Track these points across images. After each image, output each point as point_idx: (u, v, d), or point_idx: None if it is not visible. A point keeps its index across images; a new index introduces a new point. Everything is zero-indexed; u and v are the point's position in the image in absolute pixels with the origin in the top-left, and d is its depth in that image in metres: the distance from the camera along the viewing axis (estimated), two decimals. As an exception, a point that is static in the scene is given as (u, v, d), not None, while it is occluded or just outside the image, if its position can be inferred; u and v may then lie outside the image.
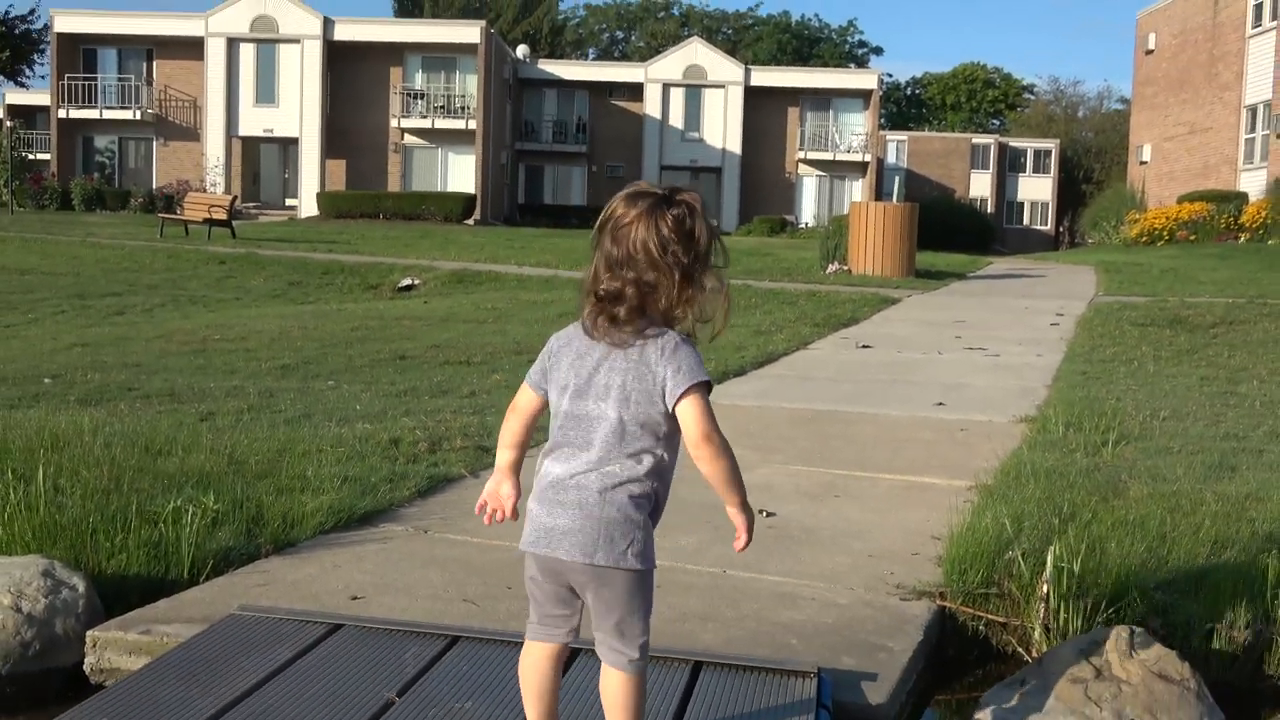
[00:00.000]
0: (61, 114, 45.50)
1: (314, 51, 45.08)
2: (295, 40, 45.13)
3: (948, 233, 44.75)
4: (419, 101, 46.50)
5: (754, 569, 4.37)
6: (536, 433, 2.74)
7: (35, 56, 50.89)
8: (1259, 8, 34.98)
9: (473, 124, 45.28)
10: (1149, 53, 42.14)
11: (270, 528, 4.56)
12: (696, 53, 52.17)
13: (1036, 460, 5.82)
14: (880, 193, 51.36)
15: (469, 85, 46.20)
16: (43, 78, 50.96)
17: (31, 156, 47.66)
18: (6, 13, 50.17)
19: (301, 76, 45.09)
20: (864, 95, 52.58)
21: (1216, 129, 36.96)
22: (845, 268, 20.62)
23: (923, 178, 62.24)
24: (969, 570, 4.14)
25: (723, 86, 51.25)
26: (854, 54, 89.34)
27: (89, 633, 3.68)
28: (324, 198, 42.41)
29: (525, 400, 2.67)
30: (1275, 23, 33.79)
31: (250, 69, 45.50)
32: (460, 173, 46.10)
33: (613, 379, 2.53)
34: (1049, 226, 67.22)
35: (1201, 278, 19.88)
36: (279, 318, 13.98)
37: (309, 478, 5.23)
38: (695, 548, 4.61)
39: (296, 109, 45.23)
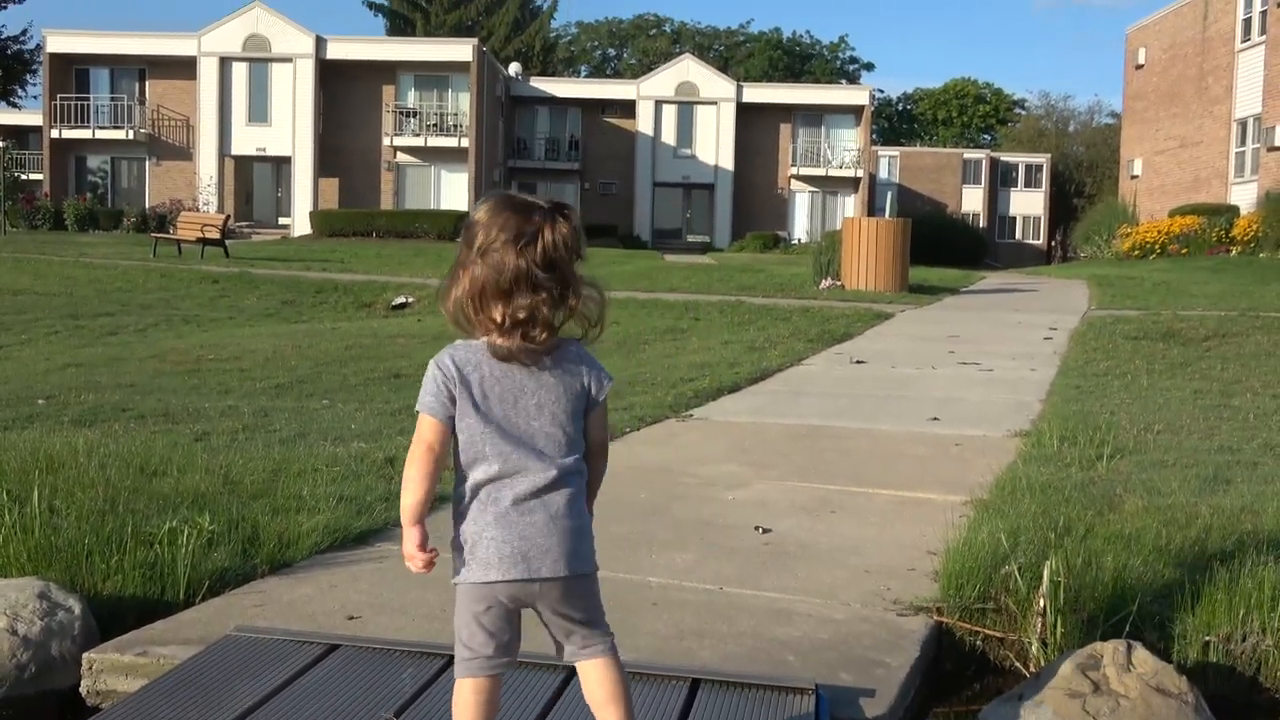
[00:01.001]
0: (54, 134, 45.52)
1: (306, 70, 45.16)
2: (288, 59, 45.21)
3: (940, 247, 44.85)
4: (411, 120, 46.58)
5: (750, 585, 4.37)
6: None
7: (28, 77, 50.98)
8: (1248, 22, 35.17)
9: (465, 142, 45.35)
10: (1139, 67, 42.33)
11: (266, 548, 4.55)
12: (688, 70, 52.31)
13: (1032, 475, 5.83)
14: (873, 208, 51.50)
15: (461, 103, 46.29)
16: (35, 98, 51.05)
17: (24, 177, 47.70)
18: (-1, 33, 50.30)
19: (294, 95, 45.16)
20: (856, 111, 52.73)
21: (1207, 143, 37.11)
22: (839, 283, 20.65)
23: (915, 193, 62.40)
24: (965, 585, 4.14)
25: (715, 103, 51.38)
26: (845, 70, 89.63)
27: (85, 655, 3.67)
28: (317, 216, 42.43)
29: (433, 432, 2.53)
30: (1264, 37, 33.96)
31: (243, 88, 45.56)
32: (453, 190, 46.16)
33: (544, 395, 2.53)
34: (1041, 241, 67.39)
35: (1194, 291, 19.93)
36: (273, 337, 13.97)
37: (304, 497, 5.23)
38: (689, 565, 4.61)
39: (289, 128, 45.29)
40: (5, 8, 50.96)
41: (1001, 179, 67.27)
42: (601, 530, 2.76)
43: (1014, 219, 67.64)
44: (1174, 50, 39.68)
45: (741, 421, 7.99)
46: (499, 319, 2.50)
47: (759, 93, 53.19)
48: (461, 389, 2.52)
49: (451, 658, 3.57)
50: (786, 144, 52.70)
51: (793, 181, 52.87)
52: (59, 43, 45.72)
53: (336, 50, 45.65)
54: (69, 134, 45.67)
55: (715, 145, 51.47)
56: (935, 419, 8.11)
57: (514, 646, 2.63)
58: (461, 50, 45.86)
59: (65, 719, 3.55)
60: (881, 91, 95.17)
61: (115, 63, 46.63)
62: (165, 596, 4.13)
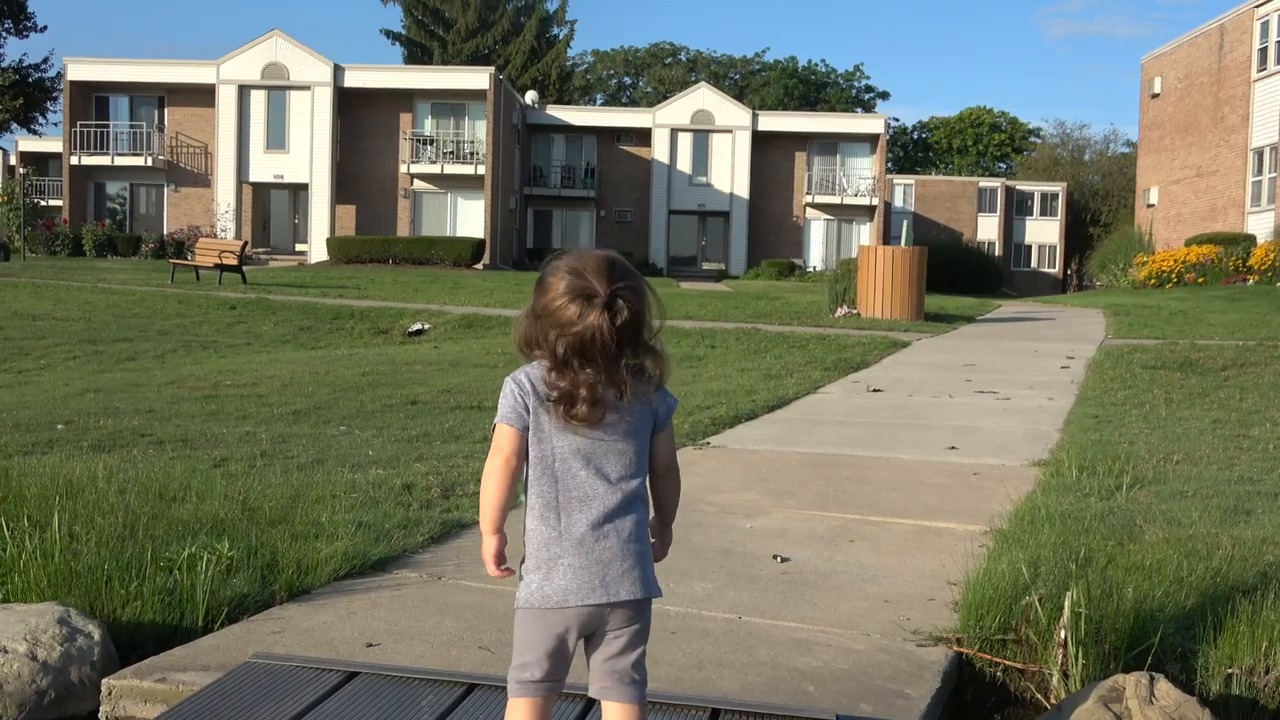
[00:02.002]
0: (74, 161, 45.85)
1: (324, 98, 45.44)
2: (306, 87, 45.49)
3: (956, 276, 44.86)
4: (428, 147, 46.79)
5: (769, 615, 4.36)
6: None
7: (48, 104, 51.39)
8: (1264, 51, 35.16)
9: (482, 169, 45.53)
10: (1154, 96, 42.33)
11: (285, 574, 4.56)
12: (704, 98, 52.48)
13: (1051, 504, 5.80)
14: (888, 236, 51.52)
15: (478, 131, 46.50)
16: (55, 125, 51.49)
17: (44, 203, 48.04)
18: (20, 61, 50.72)
19: (312, 123, 45.42)
20: (871, 139, 52.81)
21: (1223, 172, 37.05)
22: (854, 311, 20.65)
23: (930, 221, 62.42)
24: (986, 616, 4.13)
25: (730, 131, 51.51)
26: (861, 99, 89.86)
27: (104, 681, 3.68)
28: (334, 243, 42.60)
29: (510, 441, 2.61)
30: (1280, 66, 33.95)
31: (261, 115, 45.84)
32: (469, 218, 46.31)
33: (613, 417, 2.59)
34: (1056, 269, 67.29)
35: (1211, 320, 19.86)
36: (290, 363, 14.01)
37: (323, 524, 5.23)
38: (708, 593, 4.60)
39: (307, 155, 45.53)
40: (27, 36, 51.43)
41: (1017, 207, 67.23)
42: (622, 559, 2.76)
43: (1029, 247, 67.56)
44: (1190, 79, 39.68)
45: (759, 449, 7.98)
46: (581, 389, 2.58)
47: (774, 121, 53.32)
48: (536, 404, 2.60)
49: (470, 686, 3.57)
50: (802, 172, 52.79)
51: (808, 209, 52.93)
52: (80, 70, 46.11)
53: (354, 78, 45.94)
54: (88, 160, 46.00)
55: (730, 173, 51.58)
56: (953, 448, 8.09)
57: (566, 670, 2.68)
58: (478, 78, 46.10)
59: (84, 745, 3.55)
60: (897, 120, 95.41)
61: (135, 90, 46.99)
62: (184, 623, 4.13)
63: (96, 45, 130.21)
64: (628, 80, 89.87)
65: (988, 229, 65.57)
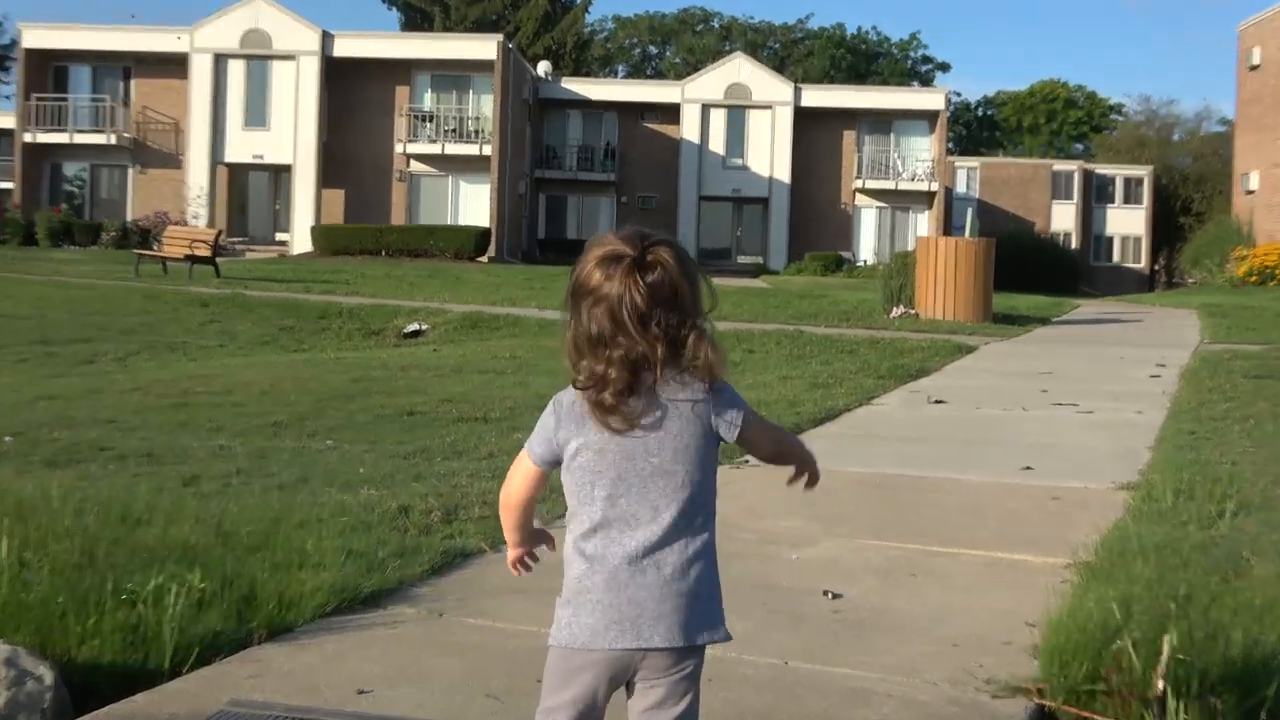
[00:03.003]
0: (28, 138, 46.14)
1: (310, 69, 45.64)
2: (290, 57, 45.70)
3: (1027, 272, 44.72)
4: (428, 124, 46.93)
5: (820, 660, 4.31)
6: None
7: (1, 75, 51.79)
8: (1381, 16, 34.95)
9: (488, 149, 45.63)
10: (1253, 68, 42.11)
11: (264, 610, 4.52)
12: (740, 70, 52.54)
13: (1144, 533, 5.74)
14: (949, 226, 51.40)
15: (484, 106, 46.62)
16: (8, 98, 51.90)
17: (-7, 186, 48.36)
18: (-32, 27, 51.14)
19: (296, 97, 45.61)
20: (929, 117, 52.74)
21: (1334, 154, 36.84)
22: (912, 311, 20.61)
23: (998, 209, 62.25)
24: (1071, 662, 4.06)
25: (769, 107, 51.53)
26: (917, 71, 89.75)
27: (57, 730, 3.64)
28: (320, 232, 42.76)
29: (525, 475, 2.71)
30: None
31: (239, 88, 46.06)
32: (473, 204, 46.41)
33: (662, 434, 2.56)
34: (1142, 264, 67.05)
35: (1322, 323, 19.73)
36: (269, 367, 14.03)
37: (308, 552, 5.20)
38: (750, 634, 4.54)
39: (290, 133, 45.72)
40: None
41: (1097, 194, 66.98)
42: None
43: (1111, 239, 67.30)
44: (1296, 49, 39.46)
45: (804, 469, 7.92)
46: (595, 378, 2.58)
47: (820, 96, 53.34)
48: (574, 428, 2.60)
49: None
50: (851, 153, 52.76)
51: (858, 196, 52.89)
52: (36, 37, 46.43)
53: (345, 47, 46.13)
54: (44, 138, 46.27)
55: (770, 154, 51.57)
56: (1028, 468, 8.04)
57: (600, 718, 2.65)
58: (485, 47, 46.22)
59: (34, 804, 3.52)
60: (959, 95, 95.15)
61: (98, 60, 47.28)
62: (149, 664, 4.10)
63: (55, 9, 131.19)
64: (653, 50, 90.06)
65: (1063, 218, 65.36)
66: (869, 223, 53.06)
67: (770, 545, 5.94)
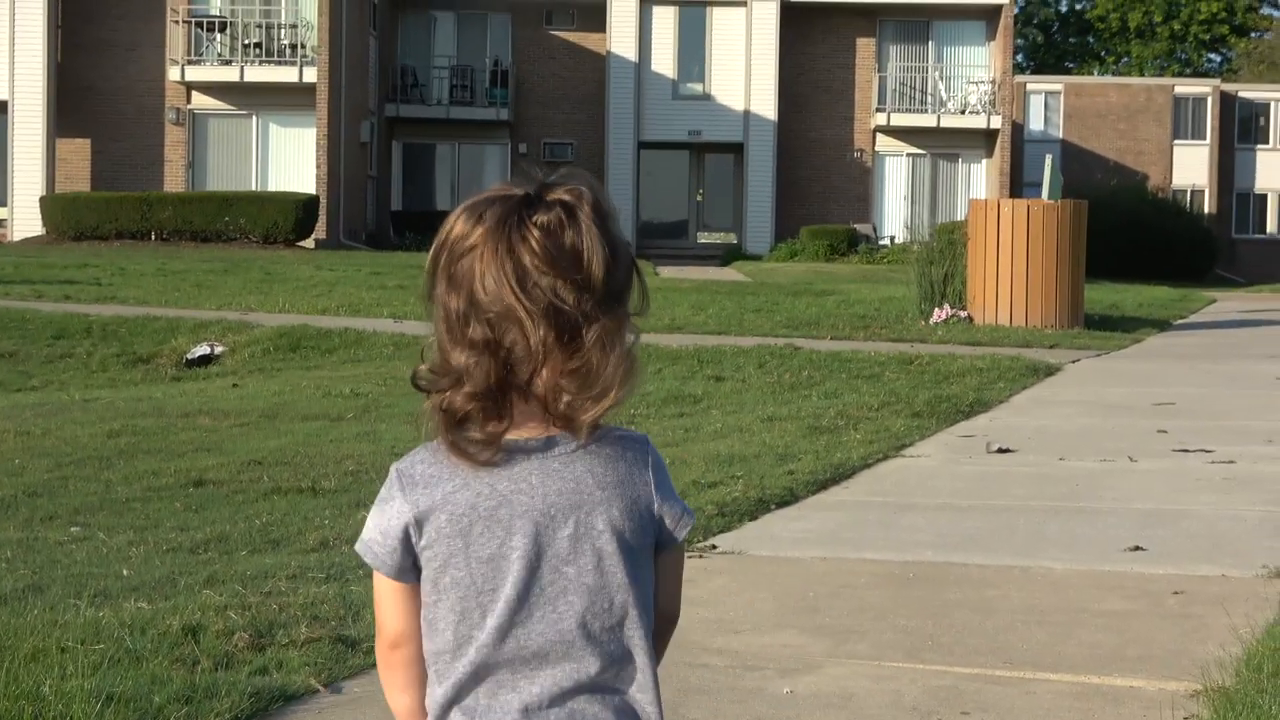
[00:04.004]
0: None
1: (35, -46, 45.31)
2: (2, -64, 45.37)
3: (1137, 250, 45.06)
4: (217, 36, 46.67)
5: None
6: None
7: None
8: None
9: (311, 73, 45.39)
10: None
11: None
12: (697, -53, 52.65)
13: (1308, 645, 5.84)
14: (1018, 182, 51.60)
15: (304, 7, 46.39)
16: None
17: None
18: None
19: (13, 2, 45.21)
20: (988, 14, 52.91)
21: None
22: (962, 314, 20.70)
23: (1091, 155, 62.61)
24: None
25: (743, 3, 51.55)
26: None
27: None
28: (54, 203, 42.35)
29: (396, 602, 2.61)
30: None
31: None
32: (291, 159, 46.15)
33: (577, 524, 2.52)
34: (1313, 235, 67.46)
35: None
36: (-19, 417, 13.94)
37: (44, 698, 5.20)
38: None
39: (4, 53, 45.34)
40: None
41: (1241, 130, 67.38)
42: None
43: (1264, 199, 67.72)
44: None
45: (804, 557, 7.99)
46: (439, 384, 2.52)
47: (819, -15, 53.46)
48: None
49: None
50: (868, 73, 52.87)
51: (879, 138, 53.00)
52: None
53: (87, -81, 45.84)
54: None
55: (745, 77, 51.60)
56: (1137, 548, 8.10)
57: None
58: (303, -84, 46.11)
59: None
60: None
61: None
62: None
63: None
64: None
65: (1191, 167, 65.68)
66: (897, 179, 53.18)
67: (751, 673, 5.99)
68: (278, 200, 42.45)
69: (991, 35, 52.99)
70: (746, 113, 51.70)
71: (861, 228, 50.11)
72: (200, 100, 46.90)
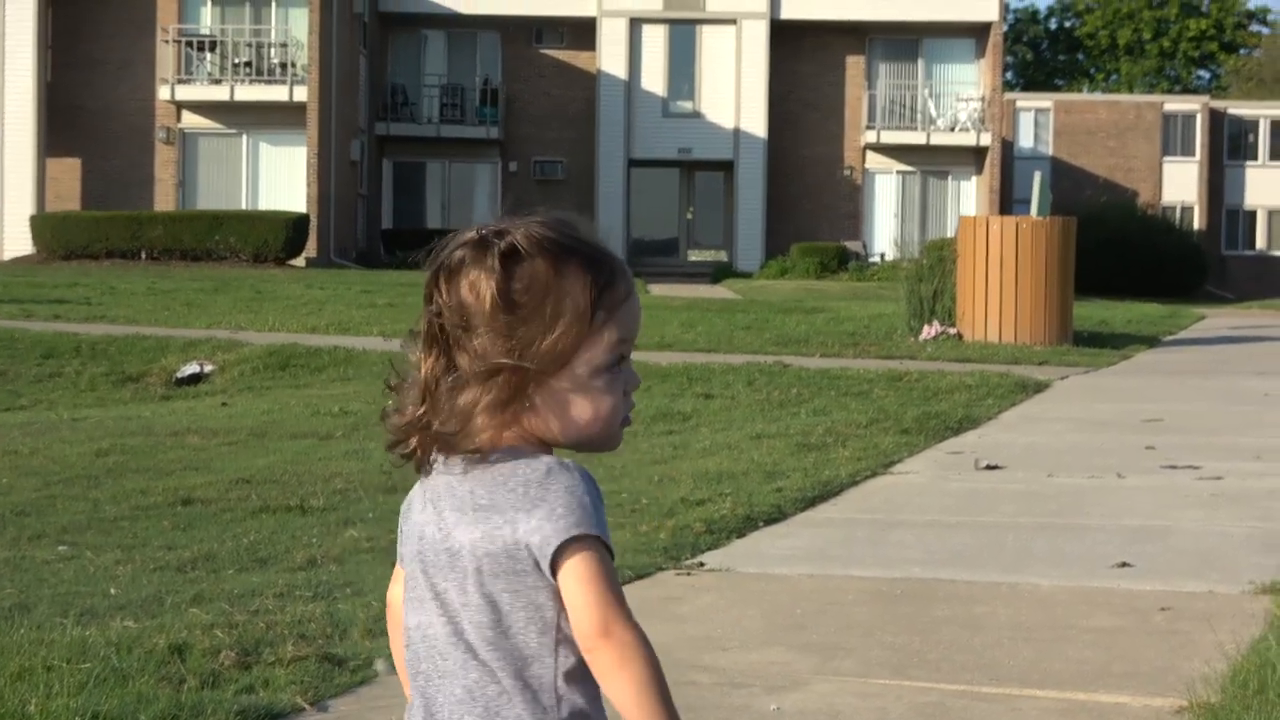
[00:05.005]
0: None
1: (25, -24, 45.33)
2: (-8, -45, 45.40)
3: (1126, 266, 45.10)
4: (207, 56, 46.67)
5: None
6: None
7: None
8: None
9: (302, 93, 45.42)
10: None
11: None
12: (687, -35, 52.73)
13: (1295, 660, 5.85)
14: (1008, 200, 51.70)
15: (294, 26, 46.43)
16: None
17: None
18: None
19: (3, 21, 45.21)
20: (977, 32, 53.00)
21: None
22: (951, 331, 20.74)
23: (1081, 172, 62.68)
24: None
25: (733, 21, 51.64)
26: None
27: None
28: (44, 222, 42.34)
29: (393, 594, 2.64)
30: None
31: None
32: (281, 178, 46.16)
33: (454, 546, 2.45)
34: (1303, 251, 67.54)
35: None
36: (-32, 436, 13.94)
37: (30, 716, 5.20)
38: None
39: (-5, 72, 45.38)
40: None
41: (1230, 147, 67.46)
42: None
43: (1253, 215, 67.78)
44: None
45: (791, 575, 8.00)
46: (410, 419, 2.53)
47: (808, 3, 53.45)
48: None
49: None
50: (858, 91, 52.96)
51: (870, 155, 53.08)
52: None
53: (77, -60, 45.87)
54: None
55: (735, 95, 51.65)
56: (1125, 564, 8.13)
57: None
58: (293, -65, 46.14)
59: None
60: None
61: None
62: None
63: None
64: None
65: (1180, 184, 65.73)
66: (886, 196, 53.25)
67: (738, 690, 6.00)
68: (268, 219, 42.48)
69: (981, 52, 53.09)
70: (736, 130, 51.79)
71: (851, 245, 50.25)
72: (190, 119, 46.92)
